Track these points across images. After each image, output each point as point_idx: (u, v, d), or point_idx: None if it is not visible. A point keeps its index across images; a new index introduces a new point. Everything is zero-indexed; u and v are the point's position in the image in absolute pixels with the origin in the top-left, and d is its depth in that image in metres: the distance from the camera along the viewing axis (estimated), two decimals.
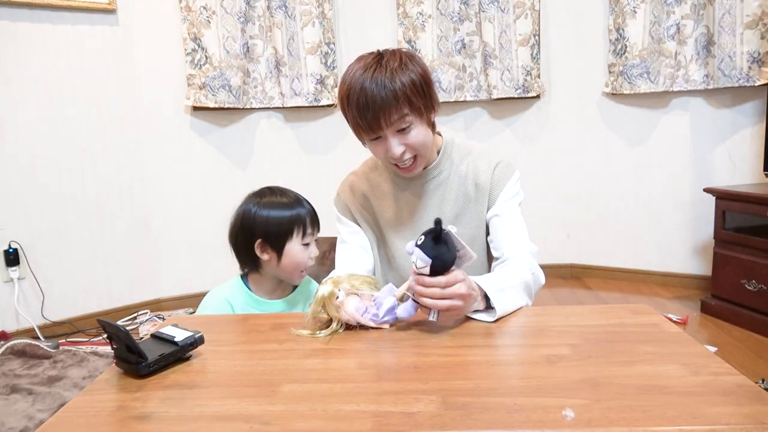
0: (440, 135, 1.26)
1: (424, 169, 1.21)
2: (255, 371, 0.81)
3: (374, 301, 0.97)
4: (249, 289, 1.28)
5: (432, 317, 0.91)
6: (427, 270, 0.89)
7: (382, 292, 0.98)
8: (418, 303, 0.93)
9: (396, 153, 1.08)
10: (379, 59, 1.06)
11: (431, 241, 0.89)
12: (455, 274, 0.90)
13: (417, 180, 1.22)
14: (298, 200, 1.26)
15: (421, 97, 1.07)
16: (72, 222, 2.68)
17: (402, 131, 1.08)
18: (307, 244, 1.24)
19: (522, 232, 1.19)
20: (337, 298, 0.95)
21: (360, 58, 1.09)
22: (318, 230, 1.28)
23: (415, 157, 1.12)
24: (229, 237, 1.27)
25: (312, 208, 1.27)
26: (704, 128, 2.80)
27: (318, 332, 0.94)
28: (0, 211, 2.52)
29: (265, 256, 1.23)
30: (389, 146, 1.08)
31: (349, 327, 0.96)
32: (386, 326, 0.95)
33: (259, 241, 1.21)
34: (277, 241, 1.21)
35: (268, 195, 1.26)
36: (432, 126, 1.16)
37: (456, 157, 1.23)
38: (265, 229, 1.21)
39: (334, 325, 0.95)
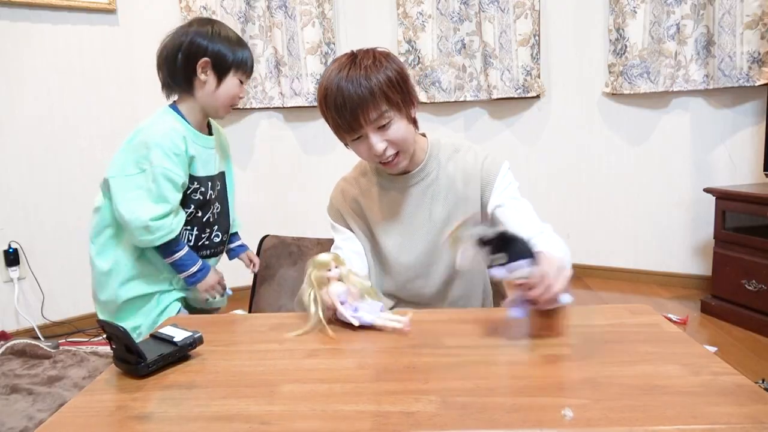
0: (424, 136, 1.24)
1: (411, 172, 1.20)
2: (255, 371, 0.81)
3: (358, 303, 0.96)
4: (183, 118, 1.35)
5: (566, 300, 0.86)
6: (521, 271, 0.83)
7: (370, 303, 0.97)
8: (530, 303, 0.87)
9: (378, 150, 1.07)
10: (353, 59, 1.06)
11: (494, 249, 0.83)
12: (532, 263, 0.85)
13: (405, 183, 1.21)
14: (246, 44, 1.38)
15: (398, 92, 1.07)
16: (72, 222, 2.68)
17: (382, 128, 1.07)
18: (242, 83, 1.37)
19: (532, 214, 1.17)
20: (329, 270, 0.95)
21: (335, 60, 1.10)
22: (251, 77, 1.42)
23: (397, 153, 1.11)
24: (164, 58, 1.33)
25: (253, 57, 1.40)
26: (704, 128, 2.80)
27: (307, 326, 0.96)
28: (0, 211, 2.52)
29: (203, 76, 1.31)
30: (371, 143, 1.07)
31: (330, 323, 0.96)
32: (355, 322, 0.93)
33: (205, 59, 1.30)
34: (222, 68, 1.32)
35: (218, 26, 1.34)
36: (413, 122, 1.15)
37: (443, 157, 1.22)
38: (215, 54, 1.30)
39: (313, 307, 0.94)
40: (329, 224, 1.31)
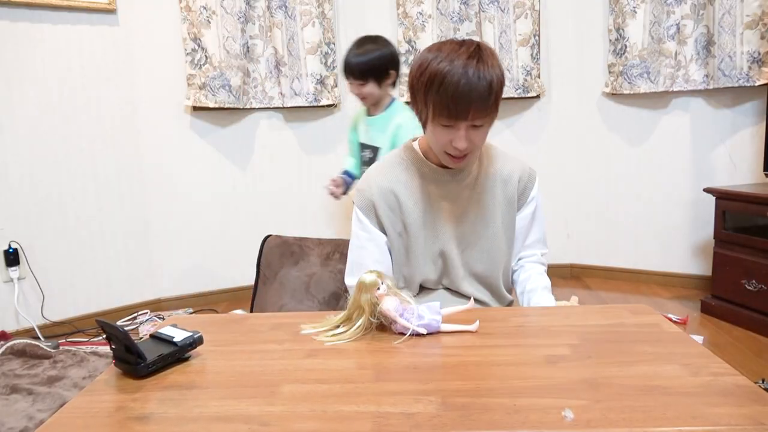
0: None
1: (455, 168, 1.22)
2: (254, 371, 0.81)
3: (411, 308, 0.94)
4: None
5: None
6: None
7: (428, 306, 0.94)
8: None
9: (462, 146, 1.08)
10: (479, 51, 1.05)
11: None
12: None
13: (447, 177, 1.21)
14: (349, 52, 2.08)
15: (499, 98, 1.09)
16: (72, 222, 2.68)
17: (475, 128, 1.08)
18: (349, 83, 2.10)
19: (540, 235, 1.30)
20: (378, 289, 0.93)
21: (450, 42, 1.08)
22: (348, 77, 2.08)
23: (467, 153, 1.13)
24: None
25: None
26: (704, 128, 2.80)
27: (336, 330, 0.93)
28: (0, 211, 2.52)
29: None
30: (457, 137, 1.08)
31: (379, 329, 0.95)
32: (422, 330, 0.91)
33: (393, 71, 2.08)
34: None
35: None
36: None
37: (485, 160, 1.24)
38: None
39: (360, 321, 0.93)
40: (354, 216, 1.25)
